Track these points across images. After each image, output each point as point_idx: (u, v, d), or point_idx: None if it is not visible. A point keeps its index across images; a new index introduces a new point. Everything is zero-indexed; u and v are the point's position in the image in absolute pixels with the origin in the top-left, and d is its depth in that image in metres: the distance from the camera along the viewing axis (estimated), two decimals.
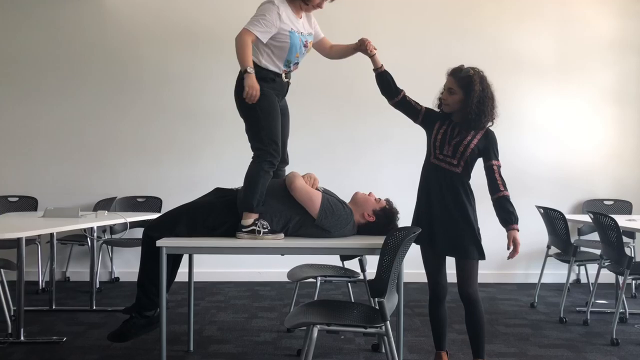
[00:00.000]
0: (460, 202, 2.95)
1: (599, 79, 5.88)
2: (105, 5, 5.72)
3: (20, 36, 5.70)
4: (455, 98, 2.96)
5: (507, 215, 2.94)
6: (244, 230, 2.98)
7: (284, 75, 3.11)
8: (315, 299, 3.78)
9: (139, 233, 3.49)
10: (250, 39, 2.96)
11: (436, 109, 3.12)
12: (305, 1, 3.06)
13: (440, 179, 2.99)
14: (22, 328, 3.63)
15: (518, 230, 2.94)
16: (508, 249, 2.94)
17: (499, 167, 2.99)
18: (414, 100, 3.18)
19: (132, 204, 5.65)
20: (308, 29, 3.16)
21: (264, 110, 2.99)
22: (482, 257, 2.96)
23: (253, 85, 2.91)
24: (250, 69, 2.92)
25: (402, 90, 3.21)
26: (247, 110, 3.03)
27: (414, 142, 5.72)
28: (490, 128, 3.03)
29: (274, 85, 3.07)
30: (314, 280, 3.73)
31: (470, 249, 2.94)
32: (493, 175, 2.97)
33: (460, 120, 2.99)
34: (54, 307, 4.53)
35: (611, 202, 5.76)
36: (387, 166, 5.74)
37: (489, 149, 2.98)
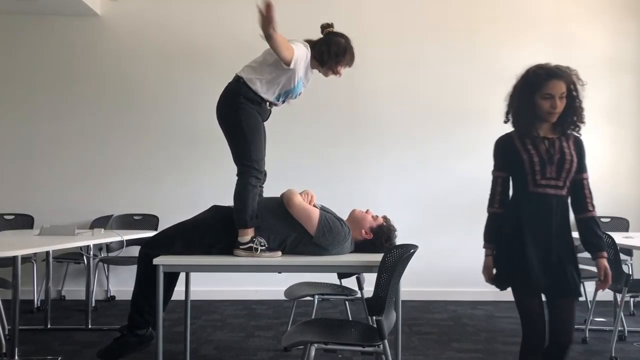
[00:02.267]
0: (568, 231, 2.52)
1: (595, 97, 5.89)
2: (103, 25, 5.75)
3: (18, 56, 5.73)
4: (565, 102, 2.57)
5: (596, 240, 2.51)
6: (241, 247, 2.97)
7: (268, 103, 3.16)
8: (313, 317, 3.76)
9: (135, 251, 3.47)
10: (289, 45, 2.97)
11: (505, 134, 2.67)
12: (331, 70, 3.17)
13: (548, 210, 2.50)
14: (16, 347, 3.59)
15: (606, 258, 2.52)
16: (599, 280, 2.50)
17: (588, 180, 2.57)
18: (501, 186, 2.63)
19: (128, 221, 5.63)
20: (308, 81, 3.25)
21: (250, 127, 3.02)
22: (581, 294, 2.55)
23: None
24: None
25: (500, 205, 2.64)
26: (232, 127, 3.06)
27: (411, 159, 5.81)
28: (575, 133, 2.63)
29: (258, 108, 3.10)
30: (312, 299, 3.72)
31: (578, 286, 2.51)
32: (582, 191, 2.54)
33: (555, 128, 2.59)
34: (49, 326, 4.49)
35: (608, 220, 5.76)
36: (384, 183, 5.75)
37: (581, 160, 2.59)
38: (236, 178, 3.09)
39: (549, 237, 2.48)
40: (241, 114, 3.02)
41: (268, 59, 3.06)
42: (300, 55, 3.03)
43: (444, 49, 5.82)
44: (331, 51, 3.13)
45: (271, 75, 3.05)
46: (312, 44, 3.16)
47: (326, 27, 3.20)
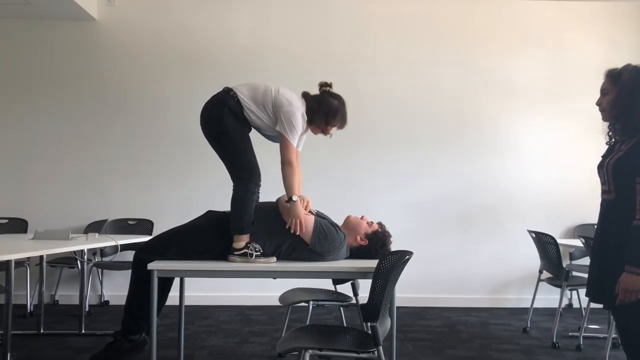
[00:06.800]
0: (616, 239, 2.35)
1: (589, 104, 5.91)
2: (99, 29, 5.76)
3: (14, 60, 5.73)
4: (609, 98, 2.47)
5: (628, 250, 2.27)
6: (236, 253, 2.97)
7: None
8: (307, 323, 3.75)
9: (129, 256, 3.47)
10: (295, 157, 3.02)
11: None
12: (320, 129, 3.19)
13: (601, 215, 2.48)
14: (9, 353, 3.56)
15: (633, 274, 2.23)
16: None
17: None
18: None
19: (123, 226, 5.62)
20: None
21: (237, 138, 3.04)
22: None
23: (299, 215, 2.98)
24: (296, 197, 2.98)
25: None
26: (221, 136, 3.07)
27: (407, 166, 5.82)
28: None
29: (242, 123, 3.09)
30: (306, 305, 3.70)
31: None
32: (635, 196, 2.27)
33: (613, 128, 2.51)
34: (42, 331, 4.47)
35: None
36: (380, 190, 5.76)
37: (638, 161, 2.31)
38: (232, 184, 3.09)
39: (598, 244, 2.48)
40: (227, 122, 3.02)
41: (270, 109, 3.05)
42: (295, 127, 3.00)
43: (439, 57, 5.85)
44: (321, 110, 3.11)
45: (266, 118, 3.06)
46: (306, 99, 3.13)
47: (323, 86, 3.18)
